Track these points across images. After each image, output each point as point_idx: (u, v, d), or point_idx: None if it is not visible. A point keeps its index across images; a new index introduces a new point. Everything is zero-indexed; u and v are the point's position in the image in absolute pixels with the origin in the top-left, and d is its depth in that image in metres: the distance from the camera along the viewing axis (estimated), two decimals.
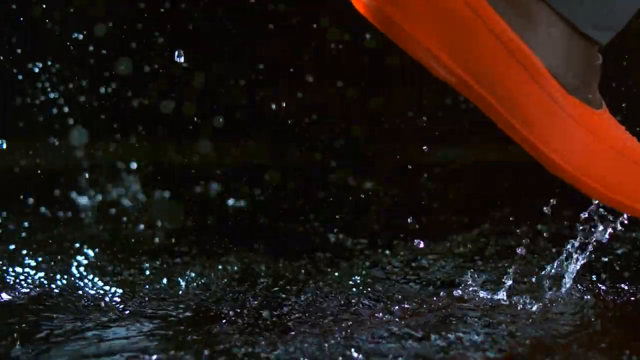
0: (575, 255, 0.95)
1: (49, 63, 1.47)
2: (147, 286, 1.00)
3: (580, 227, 0.94)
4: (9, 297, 0.94)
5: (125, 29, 1.51)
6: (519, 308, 0.91)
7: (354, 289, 0.98)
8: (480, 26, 0.80)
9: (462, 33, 0.81)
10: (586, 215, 0.94)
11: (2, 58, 1.46)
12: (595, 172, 0.84)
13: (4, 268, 1.03)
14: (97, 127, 1.51)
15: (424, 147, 1.45)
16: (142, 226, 1.27)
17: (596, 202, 0.91)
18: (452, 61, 0.81)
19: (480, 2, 0.80)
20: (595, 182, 0.84)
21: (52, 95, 1.46)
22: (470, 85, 0.82)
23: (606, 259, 1.05)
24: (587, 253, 0.95)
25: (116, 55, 1.51)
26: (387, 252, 1.12)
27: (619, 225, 0.93)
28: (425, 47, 0.81)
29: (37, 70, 1.46)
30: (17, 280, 1.00)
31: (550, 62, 0.82)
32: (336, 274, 1.04)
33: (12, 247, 1.12)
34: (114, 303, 0.94)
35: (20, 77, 1.46)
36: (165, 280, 1.01)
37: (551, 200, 0.98)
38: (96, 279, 1.01)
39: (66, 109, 1.47)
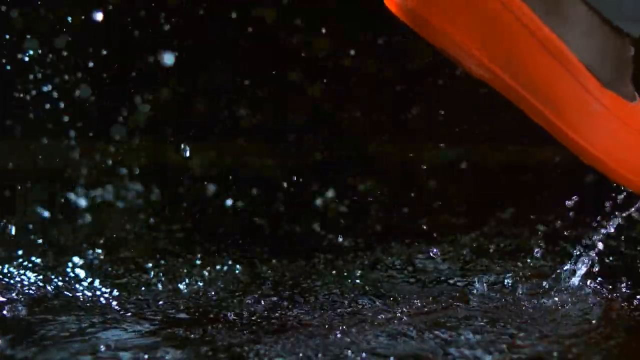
0: (580, 257, 0.95)
1: (40, 52, 1.46)
2: (146, 287, 1.00)
3: (586, 228, 0.94)
4: (7, 298, 0.94)
5: (130, 20, 1.51)
6: (521, 309, 0.90)
7: (354, 289, 0.98)
8: (513, 23, 0.81)
9: (497, 30, 0.82)
10: (595, 215, 0.94)
11: None
12: (632, 163, 0.85)
13: (1, 269, 1.03)
14: (96, 126, 1.51)
15: (441, 144, 1.46)
16: (141, 226, 1.27)
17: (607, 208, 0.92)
18: (487, 58, 0.82)
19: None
20: (631, 174, 0.85)
21: (45, 89, 1.46)
22: (505, 81, 0.83)
23: (612, 261, 1.05)
24: (594, 254, 0.95)
25: (114, 49, 1.51)
26: (387, 252, 1.12)
27: (633, 213, 0.93)
28: (460, 46, 0.82)
29: (27, 60, 1.45)
30: (15, 281, 0.99)
31: (585, 56, 0.83)
32: (336, 274, 1.04)
33: (11, 247, 1.12)
34: (112, 304, 0.94)
35: (8, 67, 1.45)
36: (164, 281, 1.01)
37: (573, 197, 0.98)
38: (95, 280, 1.01)
39: (61, 105, 1.46)
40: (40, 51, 1.45)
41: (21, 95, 1.45)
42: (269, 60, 1.56)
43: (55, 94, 1.46)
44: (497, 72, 0.82)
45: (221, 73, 1.56)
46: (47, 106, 1.46)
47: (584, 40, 0.83)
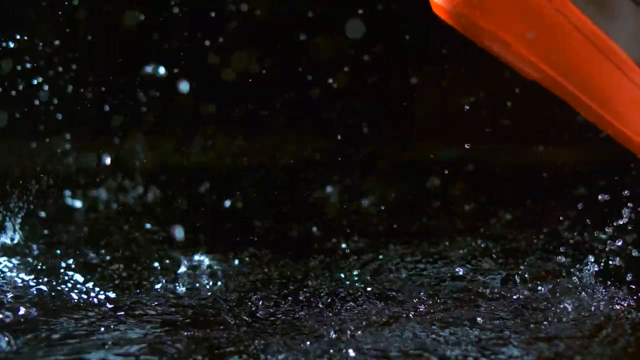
0: (583, 257, 0.95)
1: (26, 38, 1.45)
2: (146, 287, 1.00)
3: (589, 228, 0.94)
4: (7, 298, 0.94)
5: (130, 15, 1.50)
6: (522, 309, 0.90)
7: (354, 290, 0.98)
8: (561, 20, 0.83)
9: (547, 31, 0.83)
10: (597, 216, 0.94)
11: None
12: None
13: (1, 269, 1.03)
14: (95, 125, 1.51)
15: (466, 145, 1.46)
16: (140, 227, 1.27)
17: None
18: (537, 58, 0.84)
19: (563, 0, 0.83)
20: None
21: (42, 88, 1.45)
22: (556, 80, 0.84)
23: (615, 261, 1.05)
24: (596, 254, 0.95)
25: (114, 46, 1.51)
26: (388, 252, 1.11)
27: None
28: (511, 48, 0.84)
29: (22, 56, 1.44)
30: (14, 281, 0.99)
31: (634, 52, 0.84)
32: (335, 274, 1.04)
33: (10, 247, 1.12)
34: (112, 304, 0.93)
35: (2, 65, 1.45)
36: (163, 281, 1.01)
37: (575, 198, 0.98)
38: (94, 280, 1.01)
39: (58, 103, 1.46)
40: (32, 45, 1.45)
41: (16, 93, 1.45)
42: (266, 59, 1.56)
43: (53, 93, 1.46)
44: (547, 72, 0.84)
45: (222, 72, 1.56)
46: (45, 105, 1.46)
47: (632, 36, 0.84)
